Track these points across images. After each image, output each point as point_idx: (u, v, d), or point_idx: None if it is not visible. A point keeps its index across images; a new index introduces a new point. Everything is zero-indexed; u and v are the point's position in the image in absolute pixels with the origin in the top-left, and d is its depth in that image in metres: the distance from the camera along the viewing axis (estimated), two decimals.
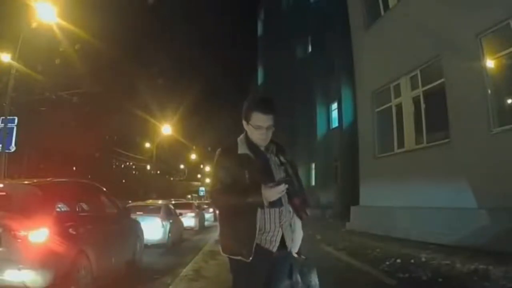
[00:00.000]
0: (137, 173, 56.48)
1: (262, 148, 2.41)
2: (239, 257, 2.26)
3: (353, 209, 12.89)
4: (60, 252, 4.59)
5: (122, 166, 56.88)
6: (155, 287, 6.00)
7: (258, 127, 2.33)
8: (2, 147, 15.50)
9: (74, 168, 42.77)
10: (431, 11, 9.19)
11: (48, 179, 5.79)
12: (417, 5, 9.92)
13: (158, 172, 55.23)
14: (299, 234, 2.47)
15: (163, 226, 10.60)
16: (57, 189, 5.38)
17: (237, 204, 2.27)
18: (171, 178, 66.09)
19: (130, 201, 16.71)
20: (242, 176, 2.27)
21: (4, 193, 4.95)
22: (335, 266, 7.32)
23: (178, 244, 11.89)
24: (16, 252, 4.32)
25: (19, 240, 4.34)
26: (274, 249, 2.32)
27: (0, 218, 4.43)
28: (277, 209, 2.30)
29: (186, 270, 6.90)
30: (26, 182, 5.51)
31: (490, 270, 5.45)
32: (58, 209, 4.97)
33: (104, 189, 6.88)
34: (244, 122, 2.40)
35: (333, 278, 6.28)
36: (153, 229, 9.97)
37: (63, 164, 37.69)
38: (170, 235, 10.85)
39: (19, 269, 4.29)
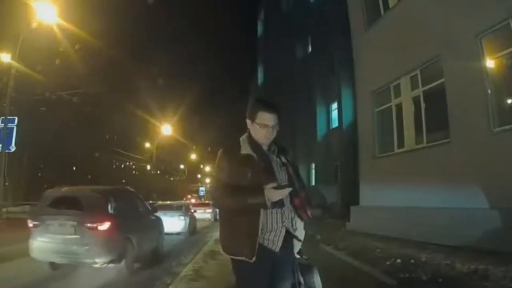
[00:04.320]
0: (137, 173, 56.46)
1: (265, 148, 2.42)
2: (242, 258, 2.25)
3: (353, 209, 12.89)
4: (116, 238, 6.53)
5: (122, 166, 56.88)
6: (155, 287, 5.99)
7: (264, 126, 2.36)
8: (2, 147, 15.50)
9: (74, 168, 42.77)
10: (431, 11, 9.18)
11: (105, 186, 8.14)
12: (417, 5, 9.92)
13: (158, 172, 55.25)
14: (300, 234, 2.47)
15: (184, 219, 14.11)
16: (111, 193, 7.23)
17: (240, 204, 2.26)
18: (171, 178, 66.07)
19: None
20: (245, 176, 2.27)
21: (76, 197, 6.79)
22: (335, 266, 7.32)
23: (193, 234, 15.00)
24: (88, 238, 6.24)
25: (89, 230, 6.27)
26: (277, 249, 2.31)
27: (74, 215, 6.40)
28: (279, 210, 2.31)
29: (186, 270, 6.90)
30: (91, 189, 7.49)
31: (490, 270, 5.45)
32: (113, 208, 6.80)
33: (137, 193, 8.91)
34: (248, 121, 2.42)
35: (333, 278, 6.28)
36: (178, 222, 13.63)
37: (63, 164, 37.70)
38: (189, 226, 14.36)
39: (89, 250, 6.21)
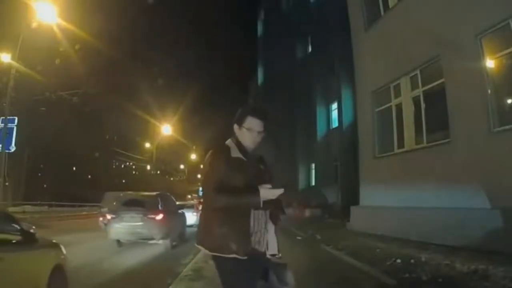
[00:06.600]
0: (137, 173, 56.47)
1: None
2: (232, 255, 2.31)
3: (353, 209, 12.89)
4: (165, 224, 10.16)
5: (122, 166, 56.92)
6: (155, 287, 5.99)
7: (250, 129, 2.47)
8: (2, 147, 15.50)
9: (74, 168, 42.77)
10: (431, 11, 9.18)
11: (154, 192, 11.96)
12: (417, 5, 9.92)
13: (158, 172, 55.25)
14: (272, 237, 2.54)
15: (196, 215, 17.49)
16: (159, 196, 11.16)
17: (238, 203, 2.35)
18: (171, 178, 66.05)
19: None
20: (238, 178, 2.37)
21: (139, 199, 10.88)
22: (335, 266, 7.32)
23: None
24: (149, 225, 9.87)
25: (150, 220, 9.91)
26: (263, 250, 2.42)
27: (140, 210, 10.12)
28: (263, 212, 2.43)
29: (186, 270, 6.89)
30: (146, 194, 11.86)
31: (490, 270, 5.45)
32: (162, 206, 10.53)
33: (171, 196, 12.94)
34: (235, 127, 2.52)
35: (333, 278, 6.28)
36: (191, 216, 16.97)
37: (63, 164, 37.70)
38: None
39: (150, 232, 9.83)
